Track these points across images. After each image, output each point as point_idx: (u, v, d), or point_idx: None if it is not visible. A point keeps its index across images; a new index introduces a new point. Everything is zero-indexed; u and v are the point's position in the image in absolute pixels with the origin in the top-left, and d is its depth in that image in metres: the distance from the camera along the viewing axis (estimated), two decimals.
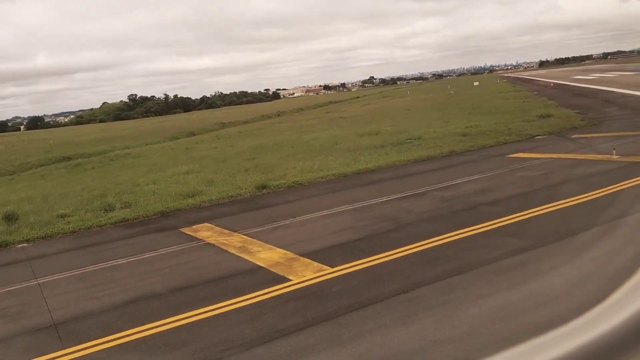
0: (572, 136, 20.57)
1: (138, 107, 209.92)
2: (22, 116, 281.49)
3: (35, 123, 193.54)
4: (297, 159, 22.04)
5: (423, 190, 13.60)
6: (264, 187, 16.35)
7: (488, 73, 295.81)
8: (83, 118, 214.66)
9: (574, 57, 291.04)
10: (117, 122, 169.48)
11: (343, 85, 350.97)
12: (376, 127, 32.40)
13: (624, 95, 36.06)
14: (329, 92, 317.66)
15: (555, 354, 5.01)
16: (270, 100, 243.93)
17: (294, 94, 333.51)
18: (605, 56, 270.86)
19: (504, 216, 10.11)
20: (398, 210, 11.79)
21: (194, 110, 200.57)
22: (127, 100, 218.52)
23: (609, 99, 34.57)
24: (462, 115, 34.06)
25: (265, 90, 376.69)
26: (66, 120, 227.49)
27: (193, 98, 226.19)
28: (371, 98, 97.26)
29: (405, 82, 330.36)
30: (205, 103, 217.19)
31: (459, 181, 14.24)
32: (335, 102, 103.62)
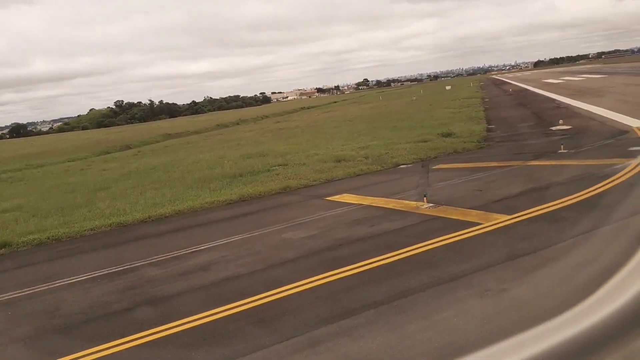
0: (434, 167, 17.26)
1: (123, 113, 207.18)
2: (21, 122, 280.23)
3: (19, 131, 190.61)
4: (121, 195, 18.81)
5: (128, 267, 10.30)
6: None
7: (482, 74, 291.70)
8: (69, 125, 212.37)
9: (569, 57, 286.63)
10: (89, 130, 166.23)
11: (337, 88, 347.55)
12: (273, 147, 29.12)
13: (558, 106, 32.63)
14: (322, 95, 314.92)
15: None
16: (260, 105, 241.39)
17: (287, 97, 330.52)
18: (599, 55, 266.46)
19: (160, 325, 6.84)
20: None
21: (180, 116, 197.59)
22: (114, 107, 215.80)
23: (541, 111, 31.19)
24: (380, 130, 30.80)
25: (261, 93, 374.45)
26: (53, 127, 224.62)
27: (181, 104, 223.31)
28: (341, 104, 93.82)
29: (399, 83, 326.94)
30: (192, 109, 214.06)
31: (202, 247, 10.92)
32: (308, 108, 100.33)
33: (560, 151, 16.63)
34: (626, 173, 12.20)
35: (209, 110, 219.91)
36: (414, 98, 66.86)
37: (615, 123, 21.43)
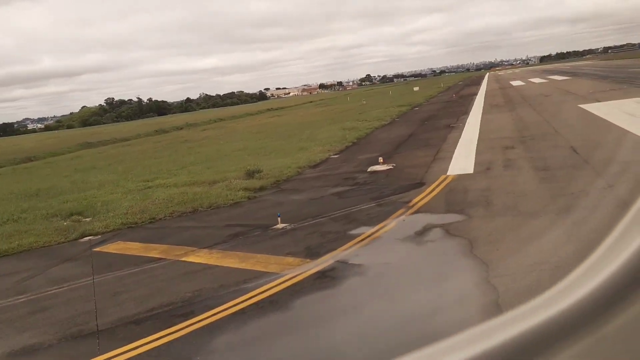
0: (110, 244, 11.85)
1: (113, 111, 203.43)
2: (32, 117, 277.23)
3: (5, 129, 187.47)
4: None
5: None
6: None
7: (487, 69, 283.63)
8: (61, 122, 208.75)
9: (575, 51, 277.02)
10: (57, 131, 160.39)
11: (340, 84, 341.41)
12: (103, 177, 23.80)
13: (450, 125, 26.90)
14: (324, 91, 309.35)
15: None
16: (255, 102, 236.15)
17: (289, 93, 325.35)
18: (605, 50, 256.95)
19: None
20: None
21: (170, 114, 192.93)
22: (104, 104, 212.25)
23: (428, 131, 25.53)
24: (222, 160, 25.36)
25: (266, 89, 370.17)
26: (42, 126, 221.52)
27: (171, 101, 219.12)
28: (303, 107, 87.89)
29: (402, 79, 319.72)
30: (182, 106, 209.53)
31: None
32: (276, 109, 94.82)
33: (275, 226, 11.16)
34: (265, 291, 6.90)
35: (202, 108, 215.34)
36: (364, 102, 61.09)
37: (442, 162, 15.93)
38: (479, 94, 49.10)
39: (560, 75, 67.89)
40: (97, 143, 57.64)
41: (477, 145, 18.20)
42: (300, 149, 24.11)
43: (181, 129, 70.20)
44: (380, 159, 17.19)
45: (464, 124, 25.60)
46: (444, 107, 39.36)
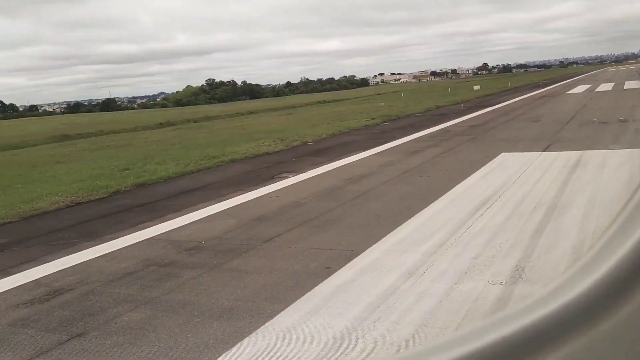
0: None
1: (212, 92, 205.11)
2: (167, 92, 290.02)
3: (108, 105, 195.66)
4: None
5: None
6: None
7: (613, 63, 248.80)
8: (167, 100, 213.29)
9: None
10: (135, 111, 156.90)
11: (454, 72, 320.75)
12: None
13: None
14: (435, 78, 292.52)
15: None
16: (355, 88, 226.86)
17: (399, 79, 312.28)
18: None
19: None
20: None
21: (262, 97, 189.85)
22: (204, 85, 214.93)
23: None
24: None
25: (380, 74, 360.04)
26: (141, 102, 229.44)
27: (264, 84, 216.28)
28: (352, 102, 77.28)
29: (523, 70, 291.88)
30: (274, 91, 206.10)
31: None
32: (323, 102, 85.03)
33: None
34: None
35: (301, 92, 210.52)
36: (382, 103, 49.84)
37: None
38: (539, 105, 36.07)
39: None
40: (77, 135, 51.79)
41: None
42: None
43: (130, 131, 62.82)
44: None
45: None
46: (381, 134, 27.78)
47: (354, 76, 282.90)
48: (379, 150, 18.25)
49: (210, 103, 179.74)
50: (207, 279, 7.05)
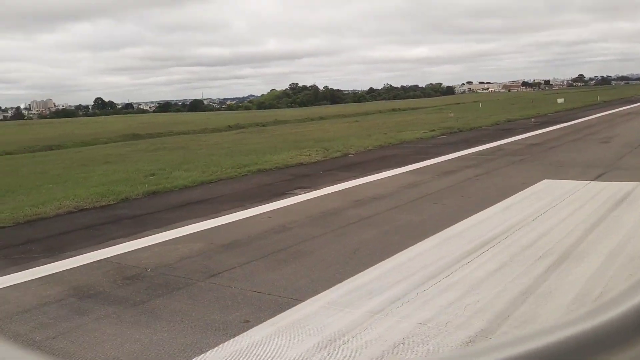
0: None
1: (295, 96, 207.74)
2: (255, 94, 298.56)
3: (196, 105, 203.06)
4: None
5: None
6: None
7: None
8: (252, 104, 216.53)
9: None
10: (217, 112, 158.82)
11: (547, 82, 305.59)
12: None
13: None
14: (526, 89, 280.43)
15: None
16: (438, 96, 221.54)
17: (488, 89, 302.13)
18: None
19: None
20: None
21: (342, 102, 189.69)
22: (287, 89, 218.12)
23: None
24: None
25: (468, 82, 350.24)
26: (230, 104, 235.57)
27: (345, 90, 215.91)
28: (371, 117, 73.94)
29: (623, 82, 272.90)
30: (355, 96, 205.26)
31: None
32: (393, 110, 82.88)
33: None
34: None
35: (384, 99, 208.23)
36: (451, 114, 47.50)
37: None
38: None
39: None
40: (147, 135, 53.08)
41: None
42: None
43: (263, 125, 63.07)
44: None
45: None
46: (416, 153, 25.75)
47: (441, 84, 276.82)
48: (413, 168, 16.70)
49: (292, 107, 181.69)
50: (109, 322, 6.07)
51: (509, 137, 24.36)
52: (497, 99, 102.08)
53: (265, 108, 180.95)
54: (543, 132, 26.41)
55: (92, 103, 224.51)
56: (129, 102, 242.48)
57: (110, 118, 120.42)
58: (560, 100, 59.99)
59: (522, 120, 36.20)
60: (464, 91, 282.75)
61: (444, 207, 11.04)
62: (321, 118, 68.10)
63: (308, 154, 22.19)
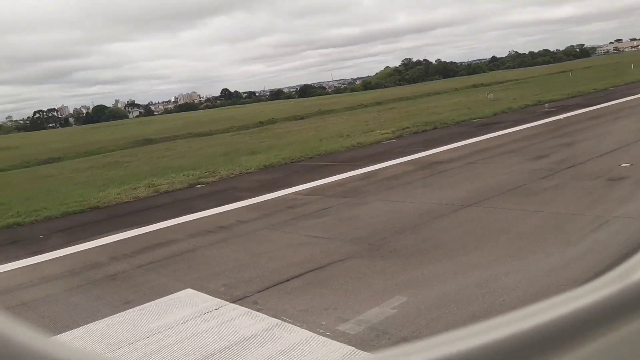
0: None
1: (404, 72, 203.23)
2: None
3: (305, 91, 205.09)
4: None
5: None
6: None
7: None
8: (370, 84, 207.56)
9: None
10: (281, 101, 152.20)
11: None
12: None
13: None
14: None
15: None
16: (572, 59, 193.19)
17: (638, 46, 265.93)
18: None
19: None
20: None
21: (456, 76, 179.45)
22: (400, 66, 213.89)
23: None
24: None
25: (617, 40, 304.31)
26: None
27: (459, 62, 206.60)
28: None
29: None
30: (470, 67, 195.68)
31: None
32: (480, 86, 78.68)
33: None
34: None
35: (507, 68, 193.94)
36: (489, 95, 44.47)
37: None
38: None
39: None
40: (161, 140, 47.74)
41: None
42: None
43: (325, 112, 62.73)
44: None
45: None
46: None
47: (583, 45, 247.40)
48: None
49: (400, 84, 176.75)
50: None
51: (498, 131, 22.91)
52: (618, 62, 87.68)
53: (371, 88, 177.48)
54: (542, 123, 24.24)
55: (219, 94, 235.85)
56: (270, 88, 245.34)
57: (255, 106, 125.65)
58: None
59: (568, 99, 33.13)
60: (608, 51, 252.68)
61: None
62: (403, 99, 67.03)
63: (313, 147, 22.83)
